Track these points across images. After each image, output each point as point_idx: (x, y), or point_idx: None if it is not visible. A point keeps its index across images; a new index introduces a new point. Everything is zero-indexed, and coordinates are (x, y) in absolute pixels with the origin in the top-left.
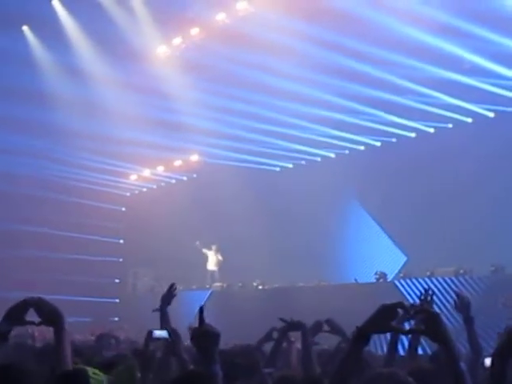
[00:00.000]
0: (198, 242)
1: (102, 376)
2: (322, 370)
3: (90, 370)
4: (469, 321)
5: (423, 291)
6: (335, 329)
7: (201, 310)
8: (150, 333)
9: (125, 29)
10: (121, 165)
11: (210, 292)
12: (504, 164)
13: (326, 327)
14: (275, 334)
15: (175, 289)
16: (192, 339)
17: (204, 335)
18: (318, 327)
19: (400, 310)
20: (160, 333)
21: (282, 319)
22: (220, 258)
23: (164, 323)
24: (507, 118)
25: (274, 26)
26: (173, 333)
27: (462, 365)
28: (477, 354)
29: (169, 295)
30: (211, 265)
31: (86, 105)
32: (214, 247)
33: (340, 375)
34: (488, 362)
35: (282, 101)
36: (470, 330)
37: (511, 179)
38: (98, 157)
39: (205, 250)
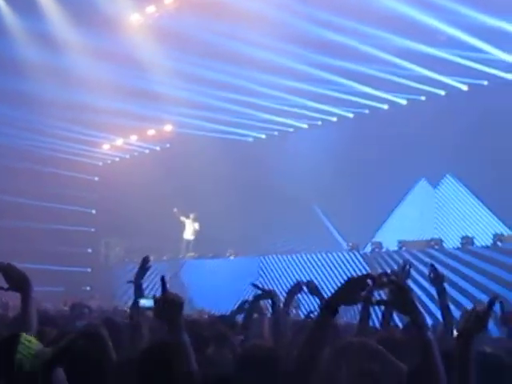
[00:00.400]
0: (175, 210)
1: (35, 344)
2: (292, 339)
3: (24, 337)
4: (442, 293)
5: (401, 262)
6: (314, 291)
7: (162, 280)
8: (137, 302)
9: None
10: (94, 134)
11: (182, 262)
12: (476, 137)
13: (305, 289)
14: (247, 306)
15: (148, 262)
16: (155, 310)
17: (167, 305)
18: (297, 288)
19: (369, 282)
20: (146, 302)
21: (253, 285)
22: (197, 227)
23: (138, 296)
24: (480, 91)
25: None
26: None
27: (430, 334)
28: (448, 325)
29: (142, 269)
30: (188, 234)
31: (60, 73)
32: (191, 216)
33: (309, 345)
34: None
35: (255, 71)
36: (443, 302)
37: (483, 153)
38: (70, 126)
39: (182, 219)
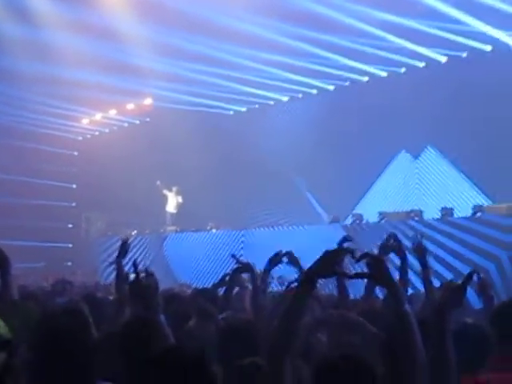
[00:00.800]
0: (158, 182)
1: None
2: (271, 312)
3: None
4: (425, 265)
5: (386, 235)
6: (293, 262)
7: (134, 264)
8: (120, 278)
9: None
10: (73, 108)
11: (164, 236)
12: (455, 108)
13: (285, 259)
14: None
15: (127, 243)
16: (131, 292)
17: (142, 290)
18: (277, 258)
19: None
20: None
21: (233, 256)
22: (180, 200)
23: (120, 276)
24: (459, 62)
25: None
26: (150, 277)
27: (407, 306)
28: (430, 295)
29: (122, 250)
30: (170, 207)
31: (39, 48)
32: (174, 189)
33: (287, 317)
34: None
35: (235, 44)
36: (425, 274)
37: (463, 124)
38: (50, 100)
39: (165, 192)
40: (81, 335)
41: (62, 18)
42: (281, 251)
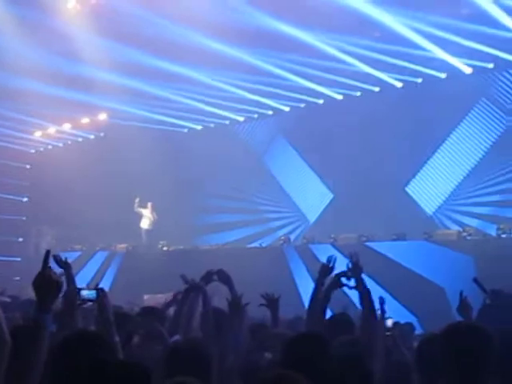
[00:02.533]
0: (137, 200)
1: None
2: (216, 331)
3: None
4: (360, 283)
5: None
6: (224, 280)
7: (46, 254)
8: (78, 293)
9: None
10: (26, 121)
11: (115, 253)
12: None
13: (215, 277)
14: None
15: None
16: (33, 284)
17: (45, 282)
18: (208, 277)
19: None
20: (88, 293)
21: (182, 276)
22: (155, 216)
23: (71, 284)
24: (414, 88)
25: None
26: (101, 294)
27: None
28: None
29: (45, 261)
30: (145, 223)
31: None
32: (149, 205)
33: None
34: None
35: (192, 61)
36: (362, 292)
37: (417, 146)
38: (2, 111)
39: (139, 209)
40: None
41: (17, 25)
42: (212, 270)
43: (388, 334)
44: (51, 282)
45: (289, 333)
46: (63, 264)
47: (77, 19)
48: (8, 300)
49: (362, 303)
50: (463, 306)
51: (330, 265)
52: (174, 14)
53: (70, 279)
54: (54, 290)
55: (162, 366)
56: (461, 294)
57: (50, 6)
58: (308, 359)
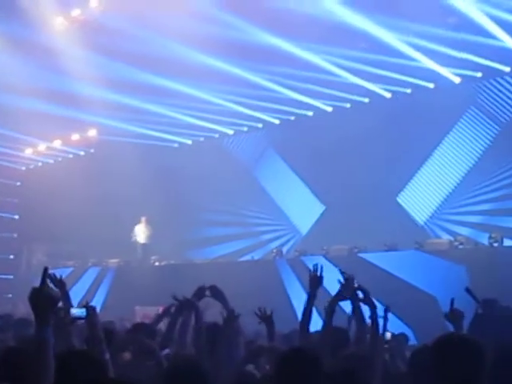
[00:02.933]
0: (143, 219)
1: None
2: (210, 348)
3: None
4: (353, 298)
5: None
6: (217, 295)
7: (44, 271)
8: (68, 311)
9: None
10: (16, 138)
11: (107, 268)
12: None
13: (208, 293)
14: (173, 309)
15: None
16: (30, 299)
17: (42, 297)
18: (201, 292)
19: None
20: (77, 311)
21: (174, 297)
22: (150, 230)
23: (66, 305)
24: (404, 98)
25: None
26: (91, 312)
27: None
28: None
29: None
30: (141, 238)
31: None
32: (143, 219)
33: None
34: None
35: (181, 76)
36: (355, 307)
37: (407, 156)
38: None
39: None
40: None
41: (5, 42)
42: (204, 285)
43: (386, 346)
44: (49, 297)
45: (282, 347)
46: (58, 283)
47: (65, 35)
48: None
49: (356, 317)
50: (453, 313)
51: (319, 274)
52: (162, 29)
53: (65, 297)
54: (51, 304)
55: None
56: (452, 301)
57: (38, 23)
58: (300, 375)
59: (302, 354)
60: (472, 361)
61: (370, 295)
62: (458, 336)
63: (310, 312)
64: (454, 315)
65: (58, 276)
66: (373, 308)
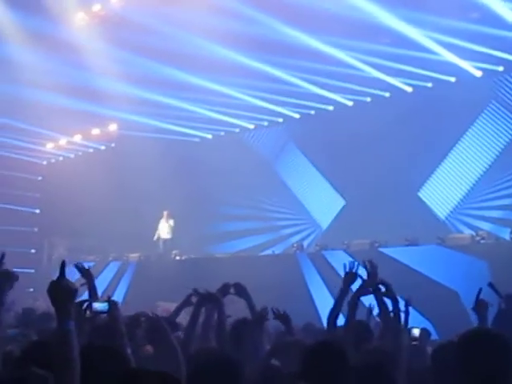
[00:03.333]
0: (165, 212)
1: None
2: (234, 343)
3: None
4: (377, 292)
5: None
6: (241, 293)
7: (62, 265)
8: (90, 305)
9: None
10: (38, 132)
11: (128, 263)
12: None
13: (232, 290)
14: (194, 299)
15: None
16: (48, 292)
17: (61, 290)
18: (225, 289)
19: None
20: (100, 305)
21: (195, 290)
22: (172, 224)
23: (93, 296)
24: (424, 92)
25: None
26: (113, 306)
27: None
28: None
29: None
30: (163, 232)
31: (3, 68)
32: (165, 213)
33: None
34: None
35: (201, 70)
36: (379, 301)
37: (428, 151)
38: (13, 122)
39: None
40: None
41: (27, 35)
42: (228, 283)
43: (414, 343)
44: (67, 289)
45: (306, 341)
46: (85, 272)
47: (86, 30)
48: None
49: (381, 311)
50: (480, 304)
51: (354, 270)
52: (182, 23)
53: (92, 288)
54: (70, 297)
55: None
56: (479, 292)
57: (60, 18)
58: (328, 368)
59: (330, 348)
60: (499, 356)
61: (391, 288)
62: (485, 331)
63: (340, 307)
64: (480, 306)
65: (86, 267)
66: (395, 302)
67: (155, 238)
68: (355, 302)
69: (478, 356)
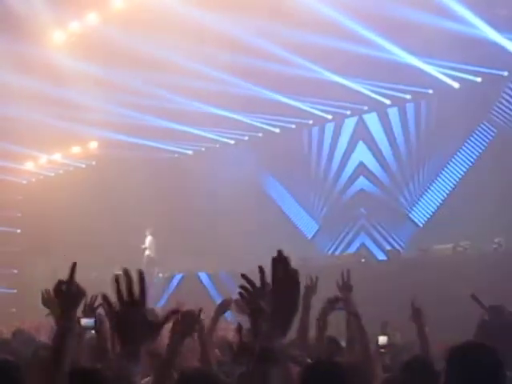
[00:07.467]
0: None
1: None
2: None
3: None
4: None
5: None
6: (242, 309)
7: (73, 267)
8: (78, 321)
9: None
10: (17, 151)
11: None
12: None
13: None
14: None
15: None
16: (56, 293)
17: (68, 293)
18: (225, 305)
19: None
20: (87, 321)
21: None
22: (155, 242)
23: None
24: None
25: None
26: (99, 321)
27: None
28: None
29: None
30: (148, 250)
31: None
32: (148, 231)
33: None
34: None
35: (183, 87)
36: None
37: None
38: None
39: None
40: None
41: (5, 54)
42: (230, 298)
43: (382, 351)
44: (76, 292)
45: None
46: (78, 289)
47: (64, 48)
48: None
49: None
50: (415, 313)
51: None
52: (161, 41)
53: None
54: (78, 299)
55: None
56: (412, 303)
57: (36, 37)
58: None
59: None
60: (486, 368)
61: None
62: (473, 344)
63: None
64: (415, 315)
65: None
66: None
67: (142, 247)
68: (324, 321)
69: (466, 369)
